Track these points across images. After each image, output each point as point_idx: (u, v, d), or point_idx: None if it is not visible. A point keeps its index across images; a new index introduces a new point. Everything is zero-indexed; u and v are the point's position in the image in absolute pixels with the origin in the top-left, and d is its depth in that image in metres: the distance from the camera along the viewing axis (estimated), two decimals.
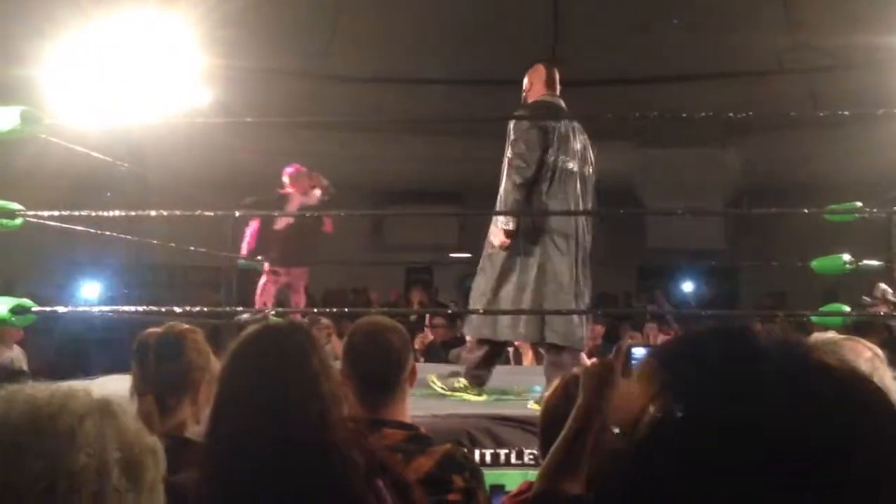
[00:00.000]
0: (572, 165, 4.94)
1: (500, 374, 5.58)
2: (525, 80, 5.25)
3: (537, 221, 4.84)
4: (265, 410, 1.85)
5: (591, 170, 5.13)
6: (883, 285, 6.29)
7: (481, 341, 4.95)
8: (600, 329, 9.29)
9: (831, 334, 2.98)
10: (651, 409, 0.73)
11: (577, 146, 5.02)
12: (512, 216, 4.81)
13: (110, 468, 1.13)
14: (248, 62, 9.18)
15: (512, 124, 4.97)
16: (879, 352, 2.47)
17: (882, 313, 6.37)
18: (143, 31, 5.93)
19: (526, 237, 4.83)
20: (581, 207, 4.99)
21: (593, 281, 5.26)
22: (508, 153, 4.95)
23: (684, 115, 8.45)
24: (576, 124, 5.07)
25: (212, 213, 5.84)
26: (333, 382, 1.94)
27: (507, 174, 4.94)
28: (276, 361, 1.91)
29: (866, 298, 6.34)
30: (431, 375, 4.89)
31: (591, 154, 5.16)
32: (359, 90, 11.39)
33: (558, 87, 5.17)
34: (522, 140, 4.84)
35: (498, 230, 4.87)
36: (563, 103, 5.13)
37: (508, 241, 4.83)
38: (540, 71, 5.18)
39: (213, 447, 1.89)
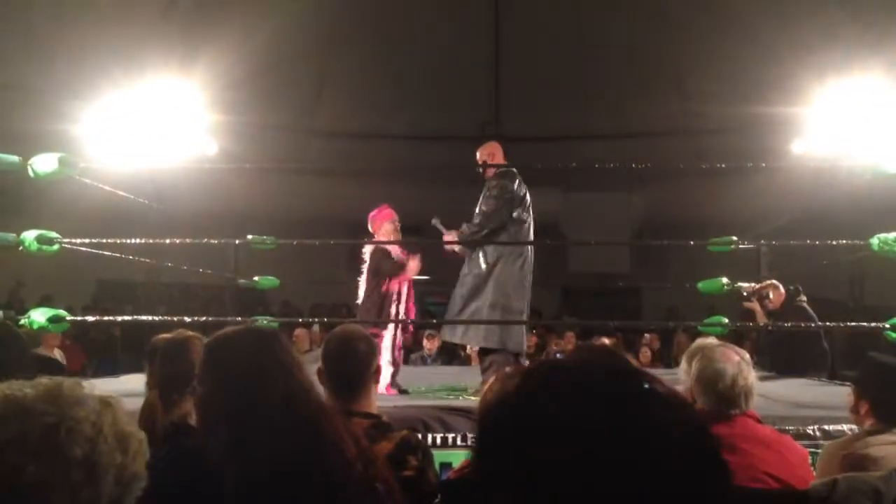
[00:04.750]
0: (525, 215, 5.15)
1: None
2: (482, 153, 5.34)
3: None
4: (240, 394, 1.83)
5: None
6: (744, 284, 6.29)
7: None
8: (534, 338, 9.32)
9: (711, 339, 3.00)
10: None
11: (529, 198, 5.22)
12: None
13: (104, 427, 1.19)
14: (247, 119, 9.13)
15: (491, 182, 5.12)
16: (746, 356, 2.51)
17: (755, 303, 6.36)
18: (162, 93, 5.88)
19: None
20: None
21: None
22: (485, 206, 5.08)
23: (598, 165, 8.57)
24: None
25: (216, 241, 5.79)
26: (300, 374, 1.92)
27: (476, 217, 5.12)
28: (250, 354, 1.89)
29: (744, 293, 6.36)
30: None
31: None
32: (337, 142, 11.38)
33: None
34: (495, 200, 5.04)
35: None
36: None
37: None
38: (498, 147, 5.37)
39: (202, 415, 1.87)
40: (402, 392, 5.15)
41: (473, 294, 5.07)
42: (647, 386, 0.71)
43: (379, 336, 4.99)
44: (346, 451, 1.85)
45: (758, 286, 6.34)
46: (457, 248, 5.25)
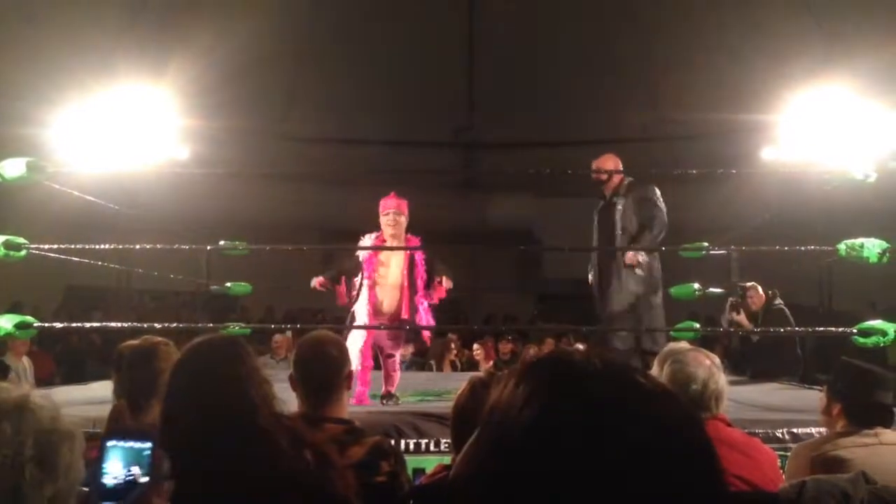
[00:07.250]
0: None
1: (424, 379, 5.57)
2: (606, 163, 5.74)
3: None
4: (199, 404, 1.84)
5: None
6: (717, 290, 6.46)
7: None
8: (509, 345, 9.32)
9: (683, 344, 3.01)
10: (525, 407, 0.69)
11: None
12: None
13: (24, 464, 1.08)
14: (219, 124, 9.07)
15: (648, 193, 5.65)
16: (717, 360, 2.53)
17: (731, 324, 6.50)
18: (133, 98, 5.82)
19: None
20: None
21: (501, 304, 5.42)
22: (654, 212, 5.57)
23: (572, 171, 8.60)
24: None
25: (187, 247, 5.74)
26: (260, 384, 1.92)
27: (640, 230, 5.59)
28: (209, 367, 1.90)
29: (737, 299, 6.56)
30: None
31: None
32: (310, 147, 11.35)
33: None
34: (659, 206, 5.63)
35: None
36: None
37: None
38: (618, 159, 5.81)
39: (163, 429, 1.87)
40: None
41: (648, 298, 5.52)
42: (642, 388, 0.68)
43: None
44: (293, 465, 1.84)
45: (748, 289, 6.57)
46: (641, 260, 5.54)
